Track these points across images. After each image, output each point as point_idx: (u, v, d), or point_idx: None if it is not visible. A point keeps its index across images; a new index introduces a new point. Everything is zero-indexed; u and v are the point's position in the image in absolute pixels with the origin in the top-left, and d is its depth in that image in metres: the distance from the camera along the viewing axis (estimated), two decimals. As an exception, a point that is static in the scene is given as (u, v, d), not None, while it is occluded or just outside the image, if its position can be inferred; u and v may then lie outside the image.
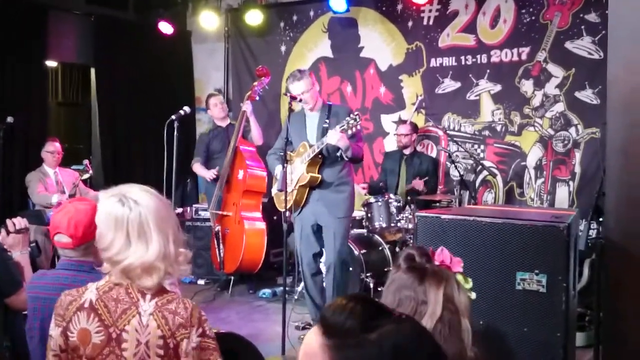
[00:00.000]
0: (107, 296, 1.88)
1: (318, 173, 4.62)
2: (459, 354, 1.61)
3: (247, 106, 6.00)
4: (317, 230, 4.75)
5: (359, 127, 4.32)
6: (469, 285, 1.77)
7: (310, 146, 4.58)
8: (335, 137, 4.32)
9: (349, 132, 4.28)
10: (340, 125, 4.30)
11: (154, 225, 1.85)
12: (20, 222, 2.78)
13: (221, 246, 5.92)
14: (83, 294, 1.91)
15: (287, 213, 4.50)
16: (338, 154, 4.53)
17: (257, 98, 6.20)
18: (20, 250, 2.79)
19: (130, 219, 1.84)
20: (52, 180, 6.07)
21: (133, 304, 1.86)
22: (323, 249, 4.78)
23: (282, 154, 4.45)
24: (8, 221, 2.75)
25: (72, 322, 1.88)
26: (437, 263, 1.76)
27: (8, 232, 2.75)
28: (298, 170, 4.64)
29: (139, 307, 1.85)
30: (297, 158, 4.66)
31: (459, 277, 1.74)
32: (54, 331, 1.91)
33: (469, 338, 1.65)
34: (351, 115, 4.27)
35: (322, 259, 4.85)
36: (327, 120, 4.58)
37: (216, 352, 1.90)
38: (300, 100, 4.59)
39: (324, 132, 4.52)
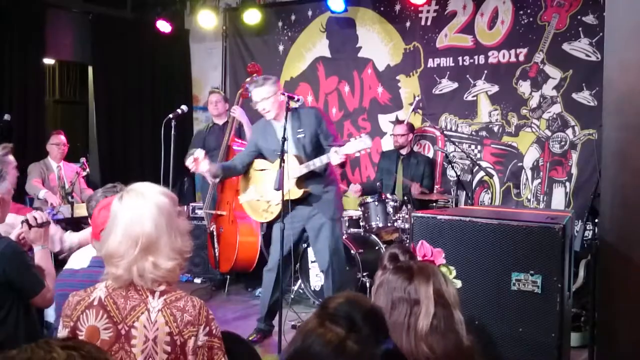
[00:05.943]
0: (116, 293, 1.90)
1: (304, 183, 4.46)
2: (457, 346, 1.65)
3: (235, 112, 5.88)
4: (298, 238, 4.66)
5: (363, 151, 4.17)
6: (453, 274, 1.81)
7: (299, 159, 4.39)
8: (339, 159, 4.18)
9: (357, 154, 4.17)
10: (353, 148, 4.06)
11: (120, 222, 1.90)
12: (41, 216, 2.77)
13: (216, 245, 5.92)
14: (92, 292, 1.94)
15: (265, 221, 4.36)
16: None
17: (249, 95, 6.15)
18: (41, 244, 2.79)
19: (111, 210, 1.96)
20: (55, 176, 6.04)
21: (142, 301, 1.88)
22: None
23: (279, 154, 4.26)
24: (29, 215, 2.74)
25: (80, 321, 1.90)
26: (419, 258, 1.79)
27: (30, 227, 2.73)
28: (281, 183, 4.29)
29: (148, 304, 1.88)
30: (275, 169, 4.39)
31: (443, 269, 1.77)
32: (61, 333, 1.93)
33: (463, 328, 1.69)
34: (361, 137, 4.04)
35: (317, 264, 4.78)
36: (300, 130, 4.41)
37: (221, 352, 1.91)
38: (298, 100, 4.55)
39: (298, 141, 4.39)
